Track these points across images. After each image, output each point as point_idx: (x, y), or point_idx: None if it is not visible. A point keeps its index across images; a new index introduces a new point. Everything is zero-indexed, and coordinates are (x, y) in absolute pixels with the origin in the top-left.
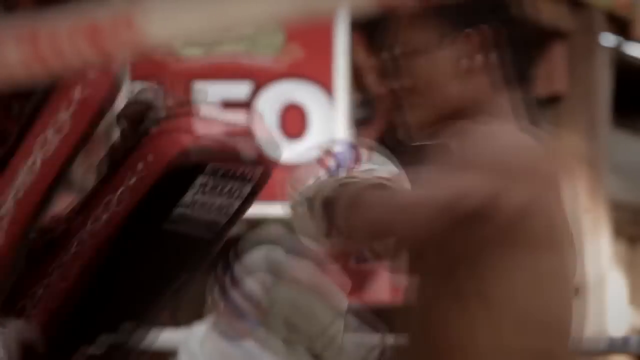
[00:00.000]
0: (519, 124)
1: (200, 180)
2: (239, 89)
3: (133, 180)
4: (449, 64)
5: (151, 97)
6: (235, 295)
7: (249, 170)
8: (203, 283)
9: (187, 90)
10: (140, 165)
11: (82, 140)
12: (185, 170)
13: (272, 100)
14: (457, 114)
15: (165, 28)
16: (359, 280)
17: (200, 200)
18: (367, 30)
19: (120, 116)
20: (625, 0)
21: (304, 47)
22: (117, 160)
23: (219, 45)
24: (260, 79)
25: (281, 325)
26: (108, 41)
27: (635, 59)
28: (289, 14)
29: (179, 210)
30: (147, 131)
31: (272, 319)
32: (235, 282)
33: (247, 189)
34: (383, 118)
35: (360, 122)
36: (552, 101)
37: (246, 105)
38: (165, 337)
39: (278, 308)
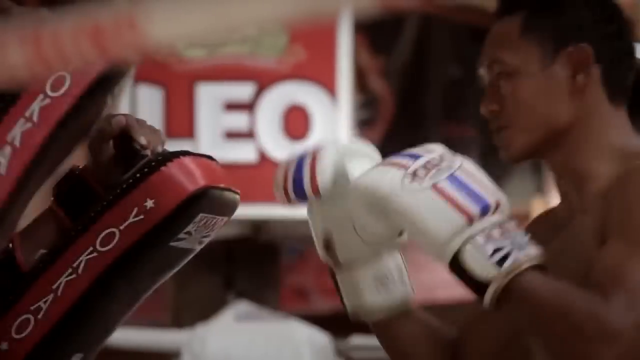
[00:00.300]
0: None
1: (199, 217)
2: (242, 90)
3: (138, 218)
4: (552, 84)
5: (127, 125)
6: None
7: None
8: (204, 284)
9: (190, 91)
10: (149, 204)
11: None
12: (188, 211)
13: (275, 102)
14: (565, 135)
15: (168, 29)
16: None
17: (192, 233)
18: (370, 32)
19: (95, 143)
20: (629, 0)
21: (307, 49)
22: (115, 192)
23: (222, 47)
24: (264, 81)
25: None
26: (111, 42)
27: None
28: (292, 15)
29: (172, 244)
30: (144, 170)
31: (351, 201)
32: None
33: (224, 220)
34: (386, 120)
35: (363, 124)
36: None
37: (249, 106)
38: (168, 338)
39: (358, 194)
